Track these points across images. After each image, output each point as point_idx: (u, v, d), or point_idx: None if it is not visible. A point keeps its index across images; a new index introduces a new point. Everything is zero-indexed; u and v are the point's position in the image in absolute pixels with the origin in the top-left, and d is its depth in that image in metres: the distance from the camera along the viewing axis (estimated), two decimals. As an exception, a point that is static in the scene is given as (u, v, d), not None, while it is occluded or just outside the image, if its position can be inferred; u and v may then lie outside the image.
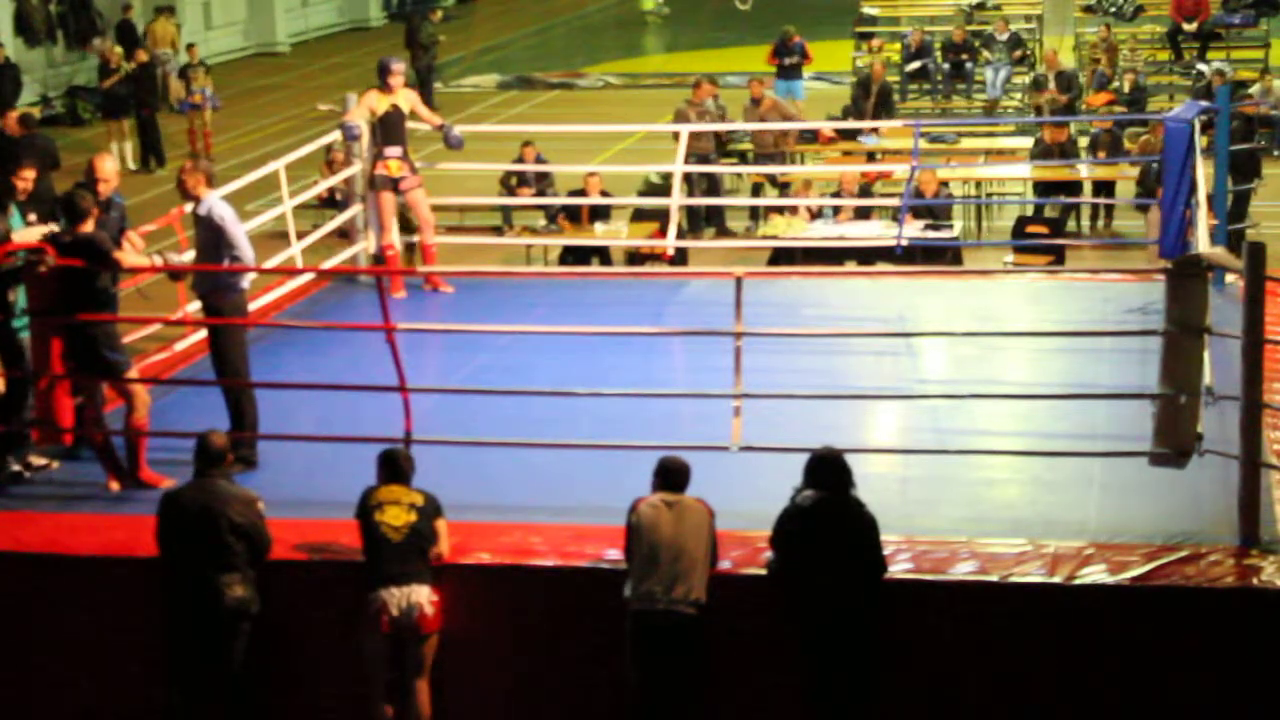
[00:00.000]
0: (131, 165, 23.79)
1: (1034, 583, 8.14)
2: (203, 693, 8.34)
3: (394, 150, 13.37)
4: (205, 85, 24.52)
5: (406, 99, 13.48)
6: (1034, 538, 8.53)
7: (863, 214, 16.33)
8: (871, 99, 22.05)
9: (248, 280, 10.04)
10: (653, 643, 8.00)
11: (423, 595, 8.20)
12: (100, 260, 9.39)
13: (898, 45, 26.63)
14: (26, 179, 10.38)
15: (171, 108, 27.06)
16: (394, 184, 13.43)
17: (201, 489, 8.34)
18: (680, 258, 15.73)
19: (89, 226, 9.45)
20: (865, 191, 17.47)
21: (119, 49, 26.21)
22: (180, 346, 11.78)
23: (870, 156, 20.03)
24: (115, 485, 9.62)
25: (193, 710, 8.36)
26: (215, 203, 9.85)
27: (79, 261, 9.34)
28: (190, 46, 26.66)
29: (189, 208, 10.10)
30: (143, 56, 25.31)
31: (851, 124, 20.76)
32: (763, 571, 8.19)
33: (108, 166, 10.28)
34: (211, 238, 9.79)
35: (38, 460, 9.95)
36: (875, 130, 20.34)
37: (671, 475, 8.24)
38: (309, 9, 38.45)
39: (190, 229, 10.40)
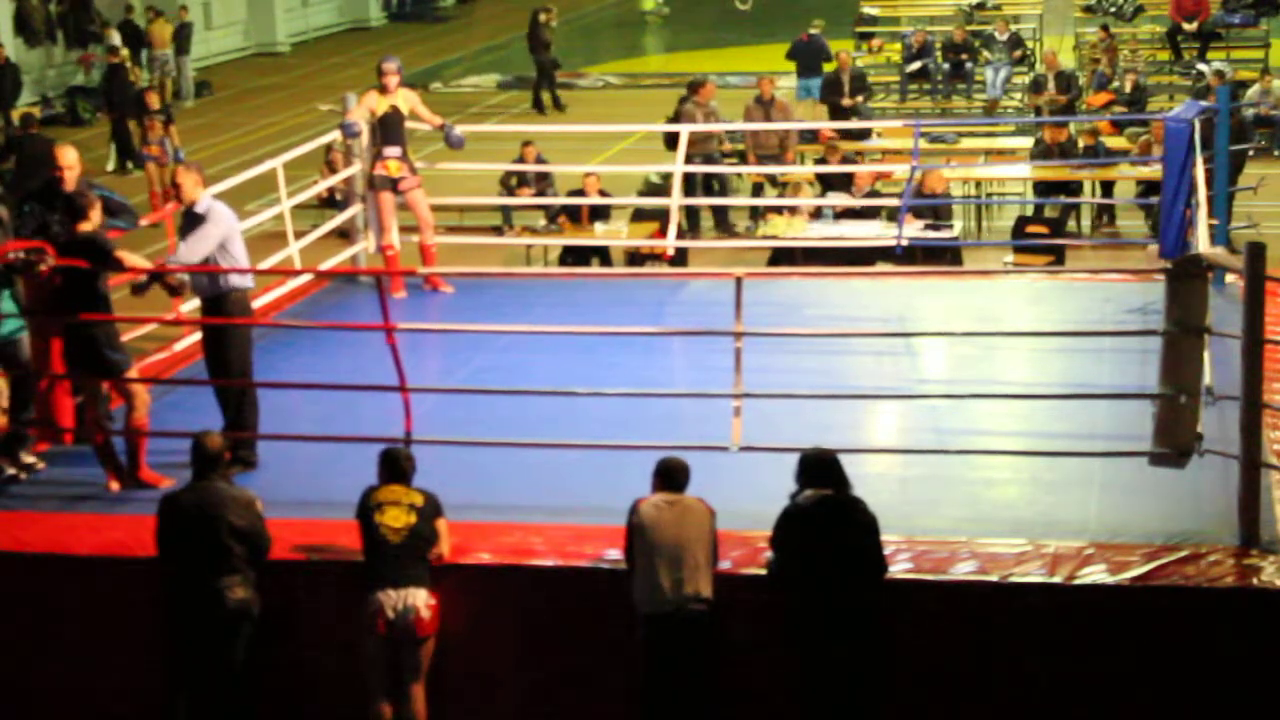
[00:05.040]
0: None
1: (1034, 583, 8.14)
2: (204, 694, 8.33)
3: (393, 150, 13.38)
4: (165, 137, 20.79)
5: (405, 99, 13.48)
6: (1034, 538, 8.52)
7: (867, 214, 16.28)
8: (847, 86, 22.23)
9: (250, 281, 10.03)
10: (667, 644, 7.98)
11: (420, 598, 8.19)
12: (101, 260, 9.38)
13: (898, 45, 26.62)
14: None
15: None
16: (393, 184, 13.43)
17: (200, 492, 8.32)
18: (680, 258, 15.72)
19: (89, 226, 9.45)
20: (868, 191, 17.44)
21: (125, 50, 26.26)
22: (180, 346, 11.79)
23: (860, 155, 20.03)
24: (115, 485, 9.62)
25: (194, 712, 8.35)
26: (214, 202, 9.83)
27: (79, 261, 9.34)
28: (147, 90, 23.60)
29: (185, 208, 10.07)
30: (112, 59, 25.25)
31: (855, 124, 20.74)
32: (763, 571, 8.19)
33: (69, 155, 10.10)
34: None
35: (27, 458, 9.92)
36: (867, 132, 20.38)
37: (671, 475, 8.23)
38: (309, 9, 38.45)
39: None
